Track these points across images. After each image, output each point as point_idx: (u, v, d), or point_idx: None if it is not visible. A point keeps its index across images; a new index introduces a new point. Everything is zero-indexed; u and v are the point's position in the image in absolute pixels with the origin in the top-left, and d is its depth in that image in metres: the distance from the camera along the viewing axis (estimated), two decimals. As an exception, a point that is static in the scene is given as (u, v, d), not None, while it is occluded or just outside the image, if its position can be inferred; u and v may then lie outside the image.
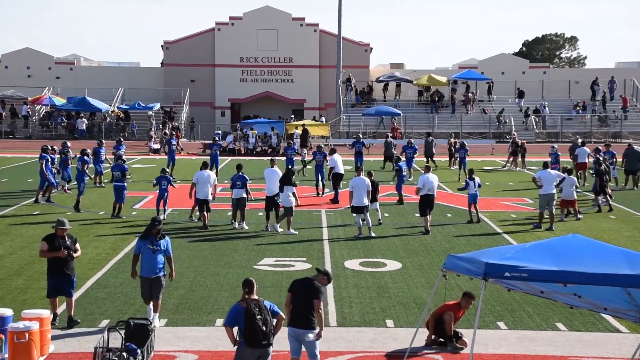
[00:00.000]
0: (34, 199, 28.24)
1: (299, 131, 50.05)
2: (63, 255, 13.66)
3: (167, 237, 13.91)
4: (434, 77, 67.04)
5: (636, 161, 34.28)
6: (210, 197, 23.53)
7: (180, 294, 15.86)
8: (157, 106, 65.59)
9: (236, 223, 23.39)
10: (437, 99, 65.99)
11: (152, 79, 72.60)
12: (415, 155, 36.48)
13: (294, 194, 22.80)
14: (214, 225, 23.68)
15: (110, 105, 65.53)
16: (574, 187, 25.37)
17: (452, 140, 43.27)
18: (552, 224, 23.64)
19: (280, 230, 22.61)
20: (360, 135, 39.31)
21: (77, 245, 14.04)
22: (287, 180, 22.84)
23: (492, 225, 24.35)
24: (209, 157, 35.76)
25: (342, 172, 29.48)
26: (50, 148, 30.23)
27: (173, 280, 14.42)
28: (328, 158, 30.11)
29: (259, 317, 10.19)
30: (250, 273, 17.71)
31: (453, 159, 41.21)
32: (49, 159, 28.79)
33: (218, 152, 37.04)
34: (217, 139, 39.57)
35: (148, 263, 13.69)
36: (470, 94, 66.11)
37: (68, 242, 13.78)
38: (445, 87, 67.15)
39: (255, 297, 10.44)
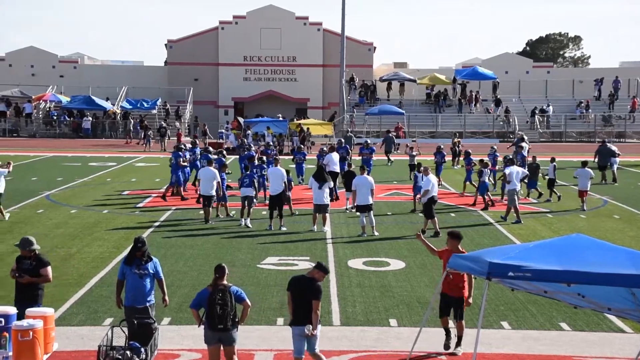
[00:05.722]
0: (180, 197, 28.27)
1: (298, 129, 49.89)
2: (12, 277, 12.12)
3: (155, 259, 12.07)
4: (438, 77, 67.07)
5: (607, 157, 35.85)
6: (213, 193, 23.89)
7: (183, 293, 15.86)
8: (159, 101, 65.73)
9: (243, 220, 23.51)
10: (442, 97, 65.96)
11: (156, 78, 72.65)
12: (371, 156, 34.04)
13: (331, 189, 23.23)
14: (222, 221, 24.01)
15: (115, 104, 65.63)
16: (590, 179, 27.46)
17: (456, 139, 43.24)
18: (507, 216, 24.89)
19: (326, 229, 22.69)
20: (343, 140, 39.16)
21: (46, 270, 12.03)
22: (322, 177, 22.90)
23: (495, 224, 24.33)
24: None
25: (337, 170, 29.42)
26: (187, 145, 30.83)
27: (168, 305, 12.56)
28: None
29: (219, 302, 10.68)
30: (254, 272, 17.73)
31: (457, 159, 41.16)
32: (183, 156, 28.93)
33: (303, 162, 33.87)
34: (302, 147, 38.30)
35: (134, 290, 11.78)
36: (475, 94, 66.01)
37: (32, 265, 12.01)
38: (449, 85, 67.16)
39: (224, 282, 10.88)
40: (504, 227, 23.92)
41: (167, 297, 12.27)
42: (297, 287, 11.02)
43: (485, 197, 27.17)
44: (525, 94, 67.81)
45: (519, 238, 21.97)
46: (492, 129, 62.18)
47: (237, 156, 37.80)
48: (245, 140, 41.72)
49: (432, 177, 23.22)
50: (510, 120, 62.63)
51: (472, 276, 12.27)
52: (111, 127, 63.47)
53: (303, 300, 10.92)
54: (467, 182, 30.57)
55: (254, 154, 30.34)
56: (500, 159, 31.96)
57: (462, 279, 12.56)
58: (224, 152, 29.66)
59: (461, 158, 38.82)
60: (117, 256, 18.89)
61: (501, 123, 63.15)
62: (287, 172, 25.57)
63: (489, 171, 27.93)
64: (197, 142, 34.15)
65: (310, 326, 10.88)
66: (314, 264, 11.30)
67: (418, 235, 13.72)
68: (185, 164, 28.83)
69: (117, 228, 23.00)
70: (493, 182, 30.60)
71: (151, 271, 11.88)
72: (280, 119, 57.86)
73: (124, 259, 12.12)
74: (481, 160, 28.28)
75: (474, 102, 65.70)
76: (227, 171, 26.38)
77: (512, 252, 9.99)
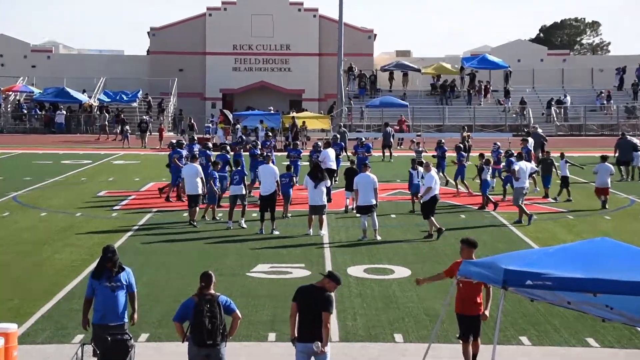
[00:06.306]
0: (168, 196, 28.17)
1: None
2: None
3: (127, 269, 11.57)
4: (444, 66, 67.00)
5: (630, 151, 35.70)
6: (199, 192, 23.83)
7: (165, 305, 15.59)
8: (140, 93, 65.60)
9: (230, 222, 23.33)
10: (449, 88, 65.83)
11: (137, 68, 72.61)
12: (368, 155, 33.35)
13: (328, 188, 23.51)
14: (208, 224, 23.93)
15: (91, 97, 65.48)
16: (610, 175, 27.75)
17: (465, 133, 43.04)
18: (521, 217, 24.68)
19: (322, 233, 22.53)
20: (338, 136, 39.02)
21: None
22: (318, 175, 22.65)
23: (511, 227, 24.14)
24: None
25: (333, 167, 29.13)
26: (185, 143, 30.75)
27: (135, 323, 11.77)
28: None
29: (207, 314, 10.41)
30: (243, 281, 17.55)
31: (467, 155, 40.86)
32: (183, 154, 28.66)
33: (298, 159, 32.10)
34: (297, 143, 38.14)
35: (106, 306, 11.24)
36: (484, 84, 65.86)
37: None
38: (457, 75, 67.08)
39: (211, 291, 10.65)
40: (520, 229, 23.73)
41: (136, 315, 11.63)
42: (305, 298, 10.65)
43: (486, 196, 27.00)
44: (540, 83, 67.73)
45: (537, 242, 21.79)
46: (505, 122, 62.03)
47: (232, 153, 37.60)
48: (243, 136, 41.70)
49: (434, 173, 23.07)
50: (525, 112, 62.48)
51: (489, 287, 11.91)
52: (87, 122, 63.32)
53: (311, 313, 10.56)
54: (457, 180, 30.57)
55: (257, 152, 30.04)
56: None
57: (478, 292, 12.09)
58: (228, 148, 29.30)
59: (472, 154, 38.59)
60: (90, 264, 18.52)
61: (514, 116, 63.00)
62: (289, 167, 25.57)
63: (490, 168, 27.75)
64: (192, 138, 34.01)
65: (320, 343, 10.52)
66: (324, 274, 10.94)
67: (418, 280, 12.97)
68: (180, 163, 28.53)
69: (91, 232, 22.80)
70: (501, 179, 30.37)
71: (124, 282, 11.38)
72: (272, 112, 57.66)
73: (91, 273, 11.59)
74: (481, 155, 28.11)
75: (483, 93, 65.61)
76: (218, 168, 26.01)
77: (529, 257, 9.89)
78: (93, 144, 54.39)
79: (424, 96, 67.02)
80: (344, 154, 36.45)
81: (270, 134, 39.12)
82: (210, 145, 30.52)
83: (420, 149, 35.22)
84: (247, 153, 31.31)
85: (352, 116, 62.02)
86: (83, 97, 64.38)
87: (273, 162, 26.48)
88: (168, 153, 30.04)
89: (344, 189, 27.19)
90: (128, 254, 19.33)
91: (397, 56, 75.18)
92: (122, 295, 11.34)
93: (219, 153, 28.35)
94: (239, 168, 24.22)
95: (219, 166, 25.79)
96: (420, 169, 25.67)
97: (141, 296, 14.21)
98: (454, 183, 30.98)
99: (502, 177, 30.25)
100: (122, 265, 11.50)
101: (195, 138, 34.81)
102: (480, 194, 28.40)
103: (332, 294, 10.73)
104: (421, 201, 22.96)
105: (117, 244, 20.15)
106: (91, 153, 47.01)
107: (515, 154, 28.04)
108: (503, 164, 30.45)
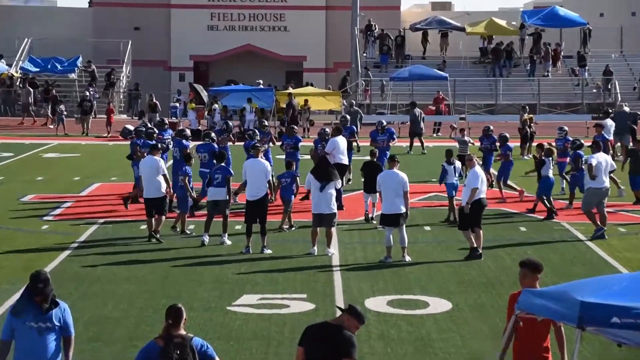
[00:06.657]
0: (128, 199, 28.38)
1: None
2: None
3: (63, 304, 11.42)
4: (497, 23, 67.00)
5: None
6: (163, 193, 24.02)
7: (114, 351, 15.72)
8: (80, 60, 65.66)
9: (207, 237, 23.53)
10: (505, 54, 65.84)
11: (76, 26, 72.64)
12: (391, 143, 33.83)
13: (338, 191, 23.74)
14: (178, 239, 23.91)
15: (12, 65, 65.54)
16: None
17: (527, 116, 43.09)
18: (601, 230, 24.64)
19: (331, 252, 22.68)
20: (348, 117, 39.10)
21: None
22: (325, 173, 22.71)
23: (589, 244, 24.20)
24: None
25: (345, 162, 29.22)
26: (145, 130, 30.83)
27: None
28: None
29: None
30: (223, 318, 17.65)
31: (527, 146, 40.98)
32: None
33: (297, 151, 32.14)
34: (294, 128, 38.54)
35: (31, 354, 11.21)
36: (554, 47, 65.86)
37: None
38: (515, 36, 67.09)
39: (181, 332, 10.61)
40: (602, 247, 23.79)
41: None
42: (317, 340, 10.65)
43: (545, 199, 27.02)
44: (631, 47, 67.74)
45: (626, 264, 21.83)
46: (581, 100, 62.06)
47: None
48: (229, 122, 41.89)
49: (479, 169, 23.17)
50: (610, 86, 62.51)
51: (560, 326, 11.90)
52: (6, 100, 63.45)
53: (325, 359, 10.62)
54: (500, 181, 30.50)
55: (251, 144, 30.29)
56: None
57: (544, 334, 12.05)
58: (212, 136, 29.38)
59: (534, 144, 38.63)
60: (11, 296, 18.53)
61: (594, 91, 63.03)
62: (289, 163, 25.80)
63: (553, 162, 27.76)
64: (162, 122, 34.20)
65: None
66: (343, 307, 11.00)
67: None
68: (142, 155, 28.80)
69: (12, 252, 22.90)
70: (564, 178, 30.35)
71: (57, 323, 11.27)
72: (262, 87, 57.76)
73: (11, 308, 11.48)
74: (540, 146, 28.10)
75: (552, 61, 65.62)
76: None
77: (616, 286, 10.00)
78: (14, 130, 54.55)
79: (469, 65, 67.21)
80: (355, 143, 36.46)
81: (265, 122, 39.32)
82: (187, 133, 30.39)
83: (465, 137, 35.22)
84: (241, 144, 31.53)
85: (370, 92, 62.18)
86: (1, 66, 64.47)
87: (269, 159, 26.66)
88: (130, 142, 30.10)
89: (361, 190, 27.27)
90: (64, 281, 19.35)
91: (433, 10, 75.42)
92: (52, 340, 11.26)
93: (200, 143, 28.63)
94: (223, 164, 24.06)
95: (192, 160, 25.86)
96: (458, 163, 25.72)
97: (82, 340, 14.33)
98: (501, 185, 30.81)
99: (564, 176, 30.19)
100: (55, 298, 11.39)
101: (166, 122, 34.94)
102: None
103: (354, 335, 10.78)
104: (463, 205, 22.89)
105: (48, 267, 20.21)
106: (12, 142, 47.13)
107: (587, 145, 27.99)
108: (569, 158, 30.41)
